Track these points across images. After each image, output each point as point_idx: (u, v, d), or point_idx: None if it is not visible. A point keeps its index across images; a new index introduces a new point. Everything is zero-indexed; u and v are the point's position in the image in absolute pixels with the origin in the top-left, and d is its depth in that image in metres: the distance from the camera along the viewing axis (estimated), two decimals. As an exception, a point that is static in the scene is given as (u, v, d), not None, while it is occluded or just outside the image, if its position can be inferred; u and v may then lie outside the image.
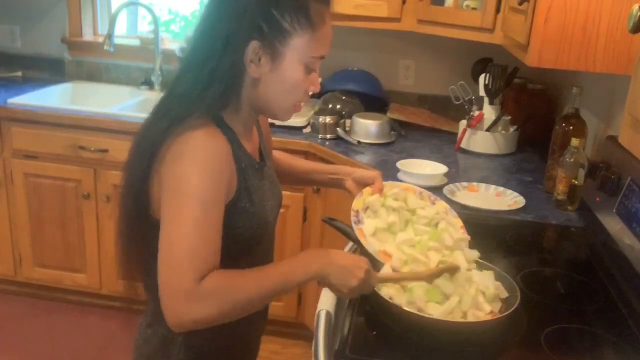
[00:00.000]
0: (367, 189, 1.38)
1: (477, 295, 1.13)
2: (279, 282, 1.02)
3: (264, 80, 1.07)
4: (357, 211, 1.35)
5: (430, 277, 1.17)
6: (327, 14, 1.09)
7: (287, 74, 1.07)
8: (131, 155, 1.09)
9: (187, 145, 0.99)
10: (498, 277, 1.21)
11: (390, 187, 1.40)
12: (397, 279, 1.17)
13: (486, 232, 1.38)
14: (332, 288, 1.07)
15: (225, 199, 1.04)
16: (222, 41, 1.03)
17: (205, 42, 1.05)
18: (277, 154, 1.53)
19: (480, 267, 1.24)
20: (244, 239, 1.07)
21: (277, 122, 1.56)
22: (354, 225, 1.34)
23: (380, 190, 1.37)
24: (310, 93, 1.15)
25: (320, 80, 2.87)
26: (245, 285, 1.00)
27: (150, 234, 1.08)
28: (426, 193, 1.43)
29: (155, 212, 1.06)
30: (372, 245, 1.27)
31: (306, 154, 2.36)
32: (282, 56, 1.05)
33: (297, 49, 1.05)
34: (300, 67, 1.07)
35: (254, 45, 1.03)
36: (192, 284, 0.95)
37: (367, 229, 1.30)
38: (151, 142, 1.03)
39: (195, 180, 0.98)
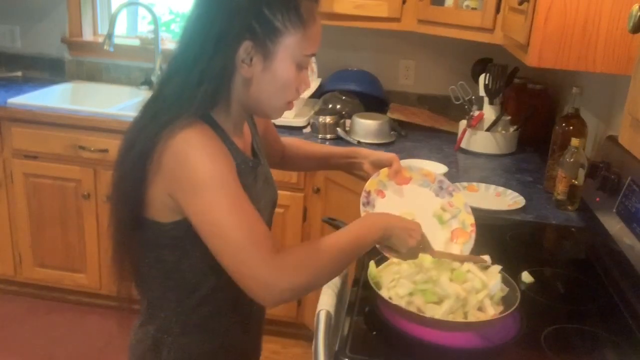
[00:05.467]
0: (384, 170, 1.40)
1: (485, 298, 1.13)
2: (354, 245, 1.07)
3: (255, 80, 1.06)
4: (368, 192, 1.37)
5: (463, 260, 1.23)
6: (317, 11, 1.08)
7: (279, 73, 1.06)
8: (121, 159, 1.08)
9: (183, 145, 0.98)
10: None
11: (408, 170, 1.42)
12: (440, 255, 1.22)
13: (486, 232, 1.38)
14: (392, 249, 1.16)
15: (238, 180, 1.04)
16: (213, 42, 1.02)
17: (196, 42, 1.04)
18: (291, 140, 1.55)
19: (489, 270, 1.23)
20: None
21: (276, 122, 1.57)
22: (362, 207, 1.34)
23: (398, 172, 1.39)
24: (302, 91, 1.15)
25: (319, 80, 2.88)
26: (322, 250, 1.03)
27: (144, 237, 1.09)
28: (446, 183, 1.42)
29: (155, 215, 1.06)
30: None
31: (306, 154, 2.36)
32: (274, 55, 1.05)
33: (289, 47, 1.05)
34: (292, 66, 1.07)
35: (246, 45, 1.02)
36: (270, 258, 0.97)
37: (378, 210, 1.33)
38: (142, 147, 1.02)
39: (208, 171, 0.98)
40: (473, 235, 1.35)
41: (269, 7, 1.02)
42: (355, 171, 1.51)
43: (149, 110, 1.07)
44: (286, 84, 1.08)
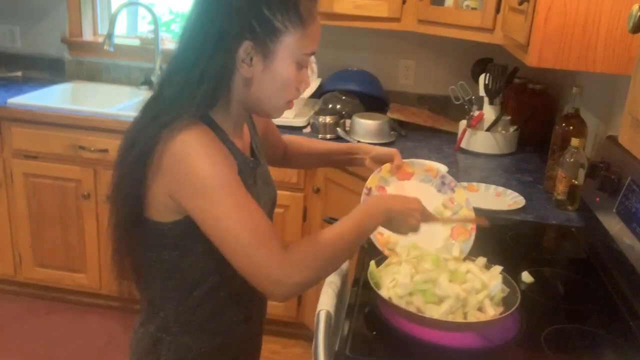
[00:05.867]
0: (386, 166, 1.40)
1: (484, 299, 1.13)
2: (357, 233, 1.09)
3: (255, 79, 1.07)
4: (369, 189, 1.36)
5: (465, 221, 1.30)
6: (315, 10, 1.08)
7: (279, 73, 1.06)
8: (121, 159, 1.08)
9: (182, 146, 0.99)
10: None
11: (410, 165, 1.41)
12: (443, 220, 1.30)
13: (486, 232, 1.38)
14: (393, 229, 1.18)
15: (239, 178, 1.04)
16: (213, 42, 1.02)
17: (196, 43, 1.04)
18: (293, 138, 1.55)
19: (490, 270, 1.22)
20: None
21: (276, 122, 1.58)
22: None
23: (400, 167, 1.39)
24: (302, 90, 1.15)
25: (319, 80, 2.88)
26: (330, 242, 1.04)
27: (144, 236, 1.09)
28: (449, 178, 1.41)
29: (155, 215, 1.06)
30: None
31: (306, 154, 2.36)
32: (274, 55, 1.05)
33: (289, 46, 1.05)
34: (292, 65, 1.07)
35: (246, 45, 1.03)
36: (278, 255, 0.98)
37: None
38: (143, 147, 1.02)
39: (209, 172, 0.98)
40: (473, 233, 1.35)
41: (268, 6, 1.02)
42: (357, 167, 1.51)
43: (150, 111, 1.07)
44: (286, 83, 1.08)
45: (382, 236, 1.32)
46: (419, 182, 1.42)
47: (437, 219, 1.24)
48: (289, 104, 1.13)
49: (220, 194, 0.98)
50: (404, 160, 1.43)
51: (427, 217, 1.20)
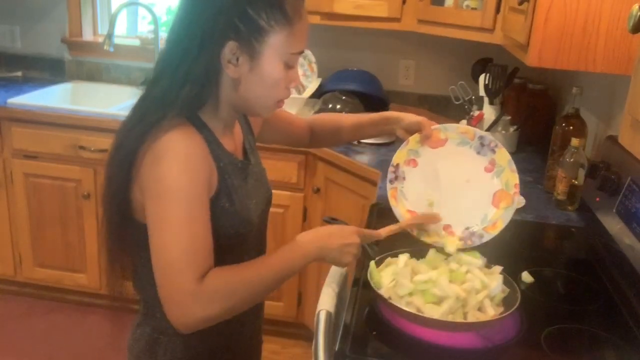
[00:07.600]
0: (415, 137, 1.34)
1: (484, 299, 1.13)
2: (279, 272, 1.05)
3: (243, 80, 1.06)
4: (396, 166, 1.31)
5: (411, 225, 1.27)
6: (302, 9, 1.07)
7: (267, 73, 1.05)
8: (111, 160, 1.08)
9: (162, 147, 0.99)
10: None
11: (443, 131, 1.33)
12: (388, 231, 1.24)
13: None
14: (330, 263, 1.15)
15: (207, 196, 1.04)
16: (197, 42, 1.01)
17: (180, 43, 1.04)
18: (319, 116, 1.54)
19: (491, 270, 1.22)
20: (225, 238, 1.08)
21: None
22: (388, 184, 1.30)
23: (429, 138, 1.33)
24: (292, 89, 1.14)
25: (319, 80, 2.87)
26: (247, 280, 1.02)
27: (134, 237, 1.09)
28: (488, 138, 1.33)
29: (138, 215, 1.06)
30: (400, 207, 1.30)
31: (306, 154, 2.36)
32: (260, 55, 1.04)
33: (275, 46, 1.04)
34: (279, 65, 1.06)
35: (231, 45, 1.02)
36: (193, 284, 0.96)
37: (408, 184, 1.31)
38: (129, 148, 1.03)
39: (175, 181, 0.98)
40: (516, 198, 1.29)
41: (252, 6, 1.01)
42: (391, 135, 1.46)
43: (138, 111, 1.07)
44: (274, 83, 1.07)
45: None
46: (455, 146, 1.34)
47: (380, 235, 1.22)
48: (278, 104, 1.13)
49: (175, 206, 0.98)
50: (433, 127, 1.34)
51: (367, 238, 1.18)
